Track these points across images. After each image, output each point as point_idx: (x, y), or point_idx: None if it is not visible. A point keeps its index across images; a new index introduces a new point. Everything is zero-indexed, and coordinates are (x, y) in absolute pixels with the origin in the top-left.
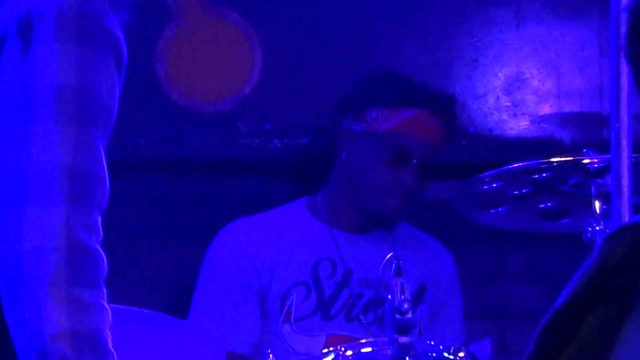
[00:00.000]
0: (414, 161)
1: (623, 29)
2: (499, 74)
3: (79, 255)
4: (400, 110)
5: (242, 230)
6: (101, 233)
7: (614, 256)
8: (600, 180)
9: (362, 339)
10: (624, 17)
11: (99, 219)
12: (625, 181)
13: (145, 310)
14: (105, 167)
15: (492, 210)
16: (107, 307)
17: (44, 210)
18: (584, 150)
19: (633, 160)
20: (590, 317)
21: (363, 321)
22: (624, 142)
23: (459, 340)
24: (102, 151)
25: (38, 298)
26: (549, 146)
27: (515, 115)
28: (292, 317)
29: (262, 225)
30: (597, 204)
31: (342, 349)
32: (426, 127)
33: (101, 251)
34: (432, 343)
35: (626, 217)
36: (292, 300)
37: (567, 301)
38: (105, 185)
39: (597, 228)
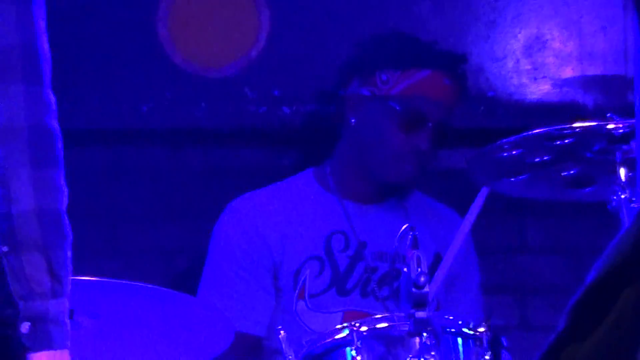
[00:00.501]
0: (429, 124)
1: None
2: (518, 36)
3: (41, 135)
4: (412, 72)
5: (250, 206)
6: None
7: None
8: (625, 146)
9: (378, 314)
10: None
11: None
12: None
13: (152, 286)
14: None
15: (511, 179)
16: (66, 189)
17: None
18: (608, 115)
19: None
20: (626, 292)
21: (378, 296)
22: None
23: (475, 311)
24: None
25: (3, 176)
26: (571, 111)
27: (535, 78)
28: (306, 294)
29: (270, 199)
30: (622, 171)
31: (357, 324)
32: (440, 88)
33: (58, 129)
34: (451, 318)
35: None
36: (306, 276)
37: (601, 276)
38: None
39: (623, 196)
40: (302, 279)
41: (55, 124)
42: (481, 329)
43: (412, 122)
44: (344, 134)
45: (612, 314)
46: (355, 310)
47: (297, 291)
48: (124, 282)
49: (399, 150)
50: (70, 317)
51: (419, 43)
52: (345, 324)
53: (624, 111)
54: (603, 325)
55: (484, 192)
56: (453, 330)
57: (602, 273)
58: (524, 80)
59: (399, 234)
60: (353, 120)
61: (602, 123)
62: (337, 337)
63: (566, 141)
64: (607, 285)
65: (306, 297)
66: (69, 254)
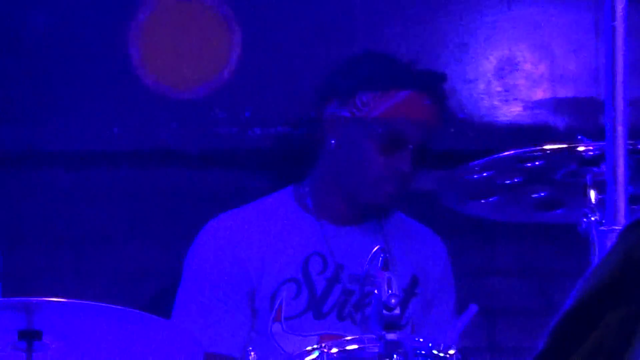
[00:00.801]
0: (410, 146)
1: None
2: (490, 58)
3: None
4: (392, 93)
5: (227, 226)
6: None
7: (637, 251)
8: (595, 169)
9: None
10: None
11: None
12: (621, 169)
13: (120, 308)
14: None
15: (481, 201)
16: None
17: None
18: (579, 137)
19: (629, 147)
20: (609, 314)
21: (355, 319)
22: (620, 129)
23: (451, 333)
24: None
25: None
26: (542, 133)
27: (506, 100)
28: (282, 316)
29: (248, 219)
30: (592, 194)
31: (326, 346)
32: (420, 108)
33: None
34: (421, 340)
35: (622, 207)
36: (282, 299)
37: (583, 298)
38: None
39: (593, 219)
40: (279, 301)
41: None
42: (451, 352)
43: (392, 144)
44: (322, 155)
45: (593, 337)
46: (331, 333)
47: (273, 313)
48: (92, 303)
49: (379, 172)
50: (39, 338)
51: (398, 63)
52: (315, 346)
53: (594, 134)
54: (583, 348)
55: (472, 310)
56: (423, 352)
57: (584, 296)
58: (495, 102)
59: (369, 255)
60: (332, 142)
61: (572, 145)
62: (307, 358)
63: (536, 163)
64: (589, 309)
65: (282, 320)
66: None
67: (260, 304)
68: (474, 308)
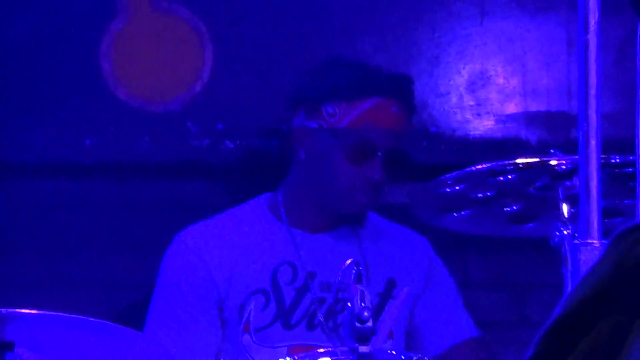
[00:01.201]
0: (380, 154)
1: (592, 21)
2: (462, 71)
3: None
4: (358, 103)
5: (197, 238)
6: None
7: (629, 259)
8: (568, 183)
9: (324, 347)
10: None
11: None
12: (594, 183)
13: (94, 319)
14: None
15: (454, 214)
16: None
17: None
18: (551, 151)
19: (602, 161)
20: (601, 322)
21: (325, 328)
22: (593, 143)
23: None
24: None
25: None
26: (515, 147)
27: (479, 114)
28: (251, 328)
29: (218, 230)
30: (564, 207)
31: (299, 358)
32: (388, 115)
33: None
34: (394, 353)
35: (595, 221)
36: (251, 310)
37: (575, 304)
38: None
39: (565, 232)
40: (247, 313)
41: None
42: None
43: (362, 153)
44: (293, 166)
45: (584, 345)
46: (301, 344)
47: (242, 325)
48: (65, 315)
49: (350, 182)
50: (11, 350)
51: (364, 70)
52: (288, 358)
53: (567, 147)
54: (574, 356)
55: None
56: None
57: (575, 303)
58: (468, 115)
59: (342, 268)
60: (302, 153)
61: (545, 159)
62: None
63: (509, 177)
64: (580, 316)
65: (251, 331)
66: None
67: (229, 315)
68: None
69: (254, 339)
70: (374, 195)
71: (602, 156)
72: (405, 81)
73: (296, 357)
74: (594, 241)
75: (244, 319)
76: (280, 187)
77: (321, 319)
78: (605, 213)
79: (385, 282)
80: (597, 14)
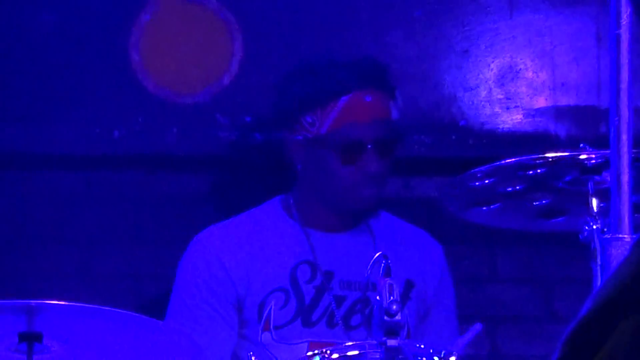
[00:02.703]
0: (369, 146)
1: (624, 15)
2: (492, 65)
3: None
4: (331, 105)
5: (215, 239)
6: None
7: None
8: (597, 177)
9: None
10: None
11: None
12: (625, 178)
13: (121, 311)
14: None
15: (483, 208)
16: None
17: None
18: (581, 146)
19: (633, 155)
20: (622, 325)
21: (348, 325)
22: (624, 137)
23: (452, 336)
24: None
25: None
26: (544, 141)
27: (508, 108)
28: (271, 325)
29: (236, 231)
30: (594, 202)
31: (328, 351)
32: (364, 108)
33: None
34: (422, 346)
35: (626, 216)
36: (271, 308)
37: (597, 306)
38: None
39: (594, 227)
40: (267, 311)
41: None
42: (452, 358)
43: (351, 152)
44: (297, 175)
45: (607, 347)
46: (321, 341)
47: (262, 323)
48: (93, 306)
49: (349, 181)
50: (39, 340)
51: (326, 73)
52: (316, 351)
53: (596, 142)
54: (597, 357)
55: (476, 328)
56: (424, 359)
57: (598, 304)
58: (497, 109)
59: (371, 262)
60: (299, 166)
61: (574, 153)
62: None
63: (538, 171)
64: (603, 317)
65: (271, 329)
66: None
67: (249, 314)
68: (478, 327)
69: (274, 336)
70: (377, 186)
71: (633, 150)
72: (370, 68)
73: (325, 350)
74: (625, 236)
75: (263, 317)
76: (292, 189)
77: (342, 316)
78: (636, 208)
79: (404, 282)
80: (628, 9)
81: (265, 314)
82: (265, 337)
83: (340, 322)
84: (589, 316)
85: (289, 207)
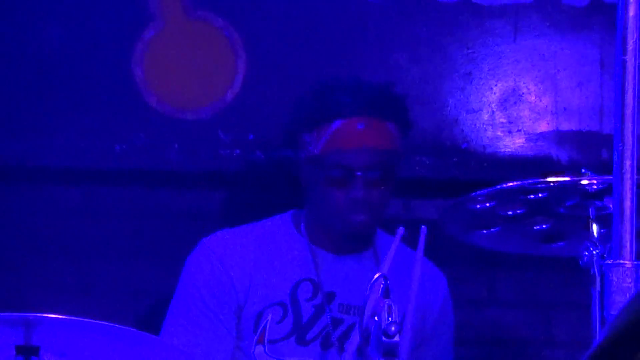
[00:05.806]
0: (358, 173)
1: (631, 41)
2: (494, 88)
3: None
4: (324, 127)
5: (221, 244)
6: None
7: None
8: (598, 203)
9: None
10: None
11: None
12: (628, 204)
13: (119, 326)
14: None
15: (483, 231)
16: None
17: None
18: (582, 171)
19: (637, 182)
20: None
21: (343, 348)
22: (628, 163)
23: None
24: None
25: None
26: (546, 165)
27: (510, 132)
28: (265, 339)
29: (243, 239)
30: (594, 227)
31: None
32: (355, 135)
33: None
34: None
35: (628, 242)
36: (267, 321)
37: (613, 337)
38: None
39: (594, 252)
40: (263, 323)
41: None
42: None
43: (339, 177)
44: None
45: None
46: None
47: (256, 335)
48: (91, 321)
49: (340, 205)
50: (36, 354)
51: (328, 95)
52: None
53: (598, 167)
54: None
55: (423, 231)
56: None
57: (615, 334)
58: (499, 133)
59: (371, 282)
60: (302, 182)
61: (576, 179)
62: None
63: (539, 195)
64: (619, 347)
65: (265, 342)
66: None
67: (245, 324)
68: (401, 230)
69: (267, 350)
70: (366, 213)
71: (637, 177)
72: (373, 95)
73: None
74: (626, 262)
75: (259, 330)
76: (304, 206)
77: (337, 339)
78: (639, 234)
79: (403, 312)
80: (635, 35)
81: (261, 327)
82: (259, 350)
83: (335, 344)
84: (604, 345)
85: (298, 223)
